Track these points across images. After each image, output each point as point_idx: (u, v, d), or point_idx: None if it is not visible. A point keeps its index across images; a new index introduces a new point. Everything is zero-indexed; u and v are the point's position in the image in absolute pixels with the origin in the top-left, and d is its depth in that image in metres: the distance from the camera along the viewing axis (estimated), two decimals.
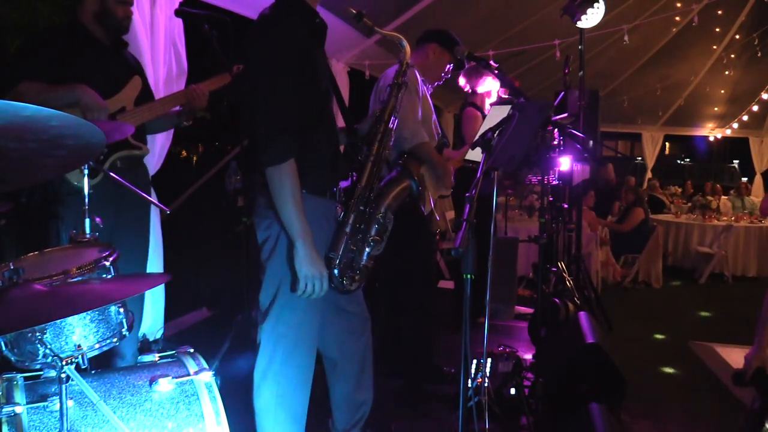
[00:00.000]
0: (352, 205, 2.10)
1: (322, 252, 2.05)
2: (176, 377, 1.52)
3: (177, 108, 2.74)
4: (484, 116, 3.96)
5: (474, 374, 2.63)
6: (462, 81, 4.17)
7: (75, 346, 1.51)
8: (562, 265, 4.26)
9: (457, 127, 3.86)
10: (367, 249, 2.13)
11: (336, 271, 2.08)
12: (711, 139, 12.56)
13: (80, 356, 1.47)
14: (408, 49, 2.21)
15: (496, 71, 3.42)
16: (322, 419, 2.41)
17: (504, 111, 2.81)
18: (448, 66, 3.25)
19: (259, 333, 2.12)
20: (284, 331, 2.07)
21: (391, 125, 2.18)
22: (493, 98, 4.12)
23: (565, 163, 4.12)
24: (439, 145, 3.23)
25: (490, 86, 4.09)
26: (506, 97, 3.94)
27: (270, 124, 1.92)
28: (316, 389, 2.18)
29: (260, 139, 1.93)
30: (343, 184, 2.17)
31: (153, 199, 2.78)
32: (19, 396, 1.38)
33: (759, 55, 8.97)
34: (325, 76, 2.10)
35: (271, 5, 2.06)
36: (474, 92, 4.13)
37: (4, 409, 1.32)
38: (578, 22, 4.69)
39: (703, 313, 5.65)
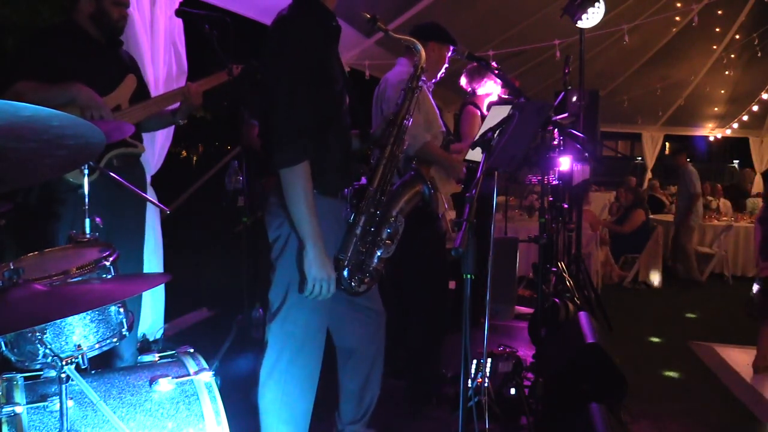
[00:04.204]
0: (363, 207, 2.11)
1: (331, 253, 2.06)
2: (176, 377, 1.52)
3: (173, 106, 2.73)
4: (483, 117, 3.95)
5: (474, 374, 2.63)
6: (463, 81, 4.16)
7: (75, 346, 1.51)
8: (562, 265, 4.26)
9: (456, 125, 3.85)
10: (378, 252, 2.13)
11: (345, 273, 2.08)
12: (711, 139, 12.55)
13: (80, 356, 1.47)
14: (423, 53, 2.22)
15: (497, 71, 3.42)
16: (323, 416, 2.41)
17: (504, 111, 2.81)
18: (447, 57, 3.22)
19: (267, 331, 2.13)
20: (292, 329, 2.08)
21: (403, 129, 2.19)
22: (493, 99, 4.11)
23: (565, 163, 4.12)
24: (445, 142, 3.23)
25: (491, 89, 4.07)
26: (506, 97, 3.94)
27: (286, 126, 1.93)
28: (318, 387, 2.18)
29: (276, 140, 1.94)
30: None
31: (152, 198, 2.78)
32: (19, 396, 1.38)
33: (759, 55, 8.95)
34: (339, 77, 2.11)
35: (289, 6, 2.06)
36: (474, 93, 4.12)
37: (4, 409, 1.31)
38: (578, 22, 4.69)
39: (703, 314, 5.65)
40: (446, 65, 3.20)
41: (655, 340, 4.66)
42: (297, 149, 1.92)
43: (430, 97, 3.19)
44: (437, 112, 3.23)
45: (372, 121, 3.15)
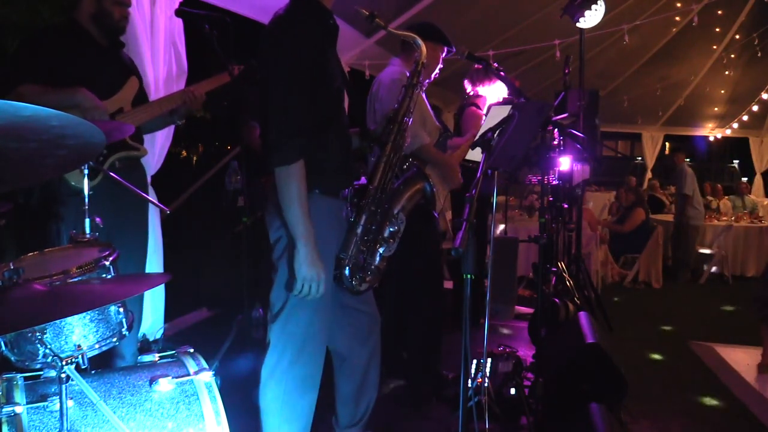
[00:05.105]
0: (363, 205, 2.10)
1: (333, 253, 2.06)
2: (176, 377, 1.52)
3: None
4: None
5: (474, 374, 2.63)
6: (466, 84, 4.14)
7: (75, 346, 1.52)
8: (562, 265, 4.26)
9: (455, 127, 3.86)
10: (379, 250, 2.12)
11: (347, 272, 2.08)
12: (711, 139, 12.55)
13: (80, 356, 1.47)
14: (424, 48, 2.19)
15: (498, 72, 3.42)
16: (324, 416, 2.41)
17: (504, 111, 2.81)
18: (441, 57, 3.21)
19: (269, 331, 2.13)
20: (294, 330, 2.08)
21: (404, 126, 2.18)
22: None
23: (565, 163, 4.12)
24: (442, 138, 3.22)
25: (495, 91, 4.04)
26: (506, 97, 3.93)
27: (282, 125, 1.93)
28: (320, 387, 2.18)
29: (272, 139, 1.94)
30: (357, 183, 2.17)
31: (152, 198, 2.78)
32: (19, 396, 1.38)
33: (759, 55, 8.95)
34: (337, 76, 2.10)
35: (286, 5, 2.05)
36: (476, 95, 4.11)
37: (4, 409, 1.32)
38: (578, 22, 4.69)
39: (704, 314, 5.65)
40: (440, 66, 3.20)
41: (655, 340, 4.66)
42: (292, 148, 1.92)
43: (424, 96, 3.19)
44: (430, 109, 3.23)
45: (366, 121, 3.15)
